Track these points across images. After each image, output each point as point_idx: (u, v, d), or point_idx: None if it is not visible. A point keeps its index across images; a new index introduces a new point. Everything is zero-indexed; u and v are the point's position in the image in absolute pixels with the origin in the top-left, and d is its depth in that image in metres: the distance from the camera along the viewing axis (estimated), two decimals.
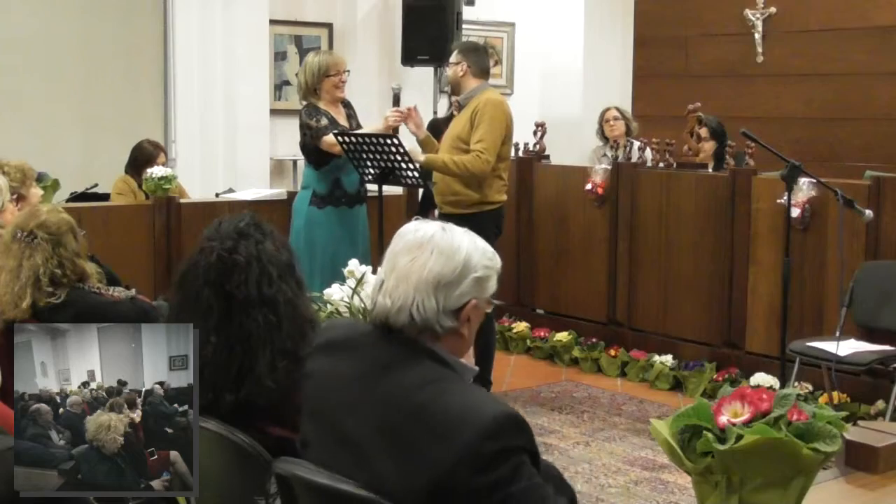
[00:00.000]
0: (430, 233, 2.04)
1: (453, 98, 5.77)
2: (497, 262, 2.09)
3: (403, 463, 1.90)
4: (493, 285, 2.07)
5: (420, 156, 5.24)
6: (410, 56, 7.71)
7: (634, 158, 6.31)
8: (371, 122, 6.16)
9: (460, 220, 5.67)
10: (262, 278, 2.44)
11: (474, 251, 2.04)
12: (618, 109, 6.93)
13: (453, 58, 5.36)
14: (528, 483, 1.87)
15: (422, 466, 1.87)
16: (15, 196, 4.13)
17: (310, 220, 5.49)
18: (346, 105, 5.67)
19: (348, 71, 5.62)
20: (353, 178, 5.53)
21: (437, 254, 2.00)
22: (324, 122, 5.41)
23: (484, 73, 5.34)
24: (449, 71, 5.40)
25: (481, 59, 5.35)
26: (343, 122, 5.54)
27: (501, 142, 5.22)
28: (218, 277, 2.43)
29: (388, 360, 2.00)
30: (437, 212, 5.72)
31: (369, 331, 2.07)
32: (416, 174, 5.34)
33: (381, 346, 2.02)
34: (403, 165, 5.27)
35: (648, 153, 6.52)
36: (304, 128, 5.45)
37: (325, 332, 2.22)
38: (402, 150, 5.22)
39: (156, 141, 6.28)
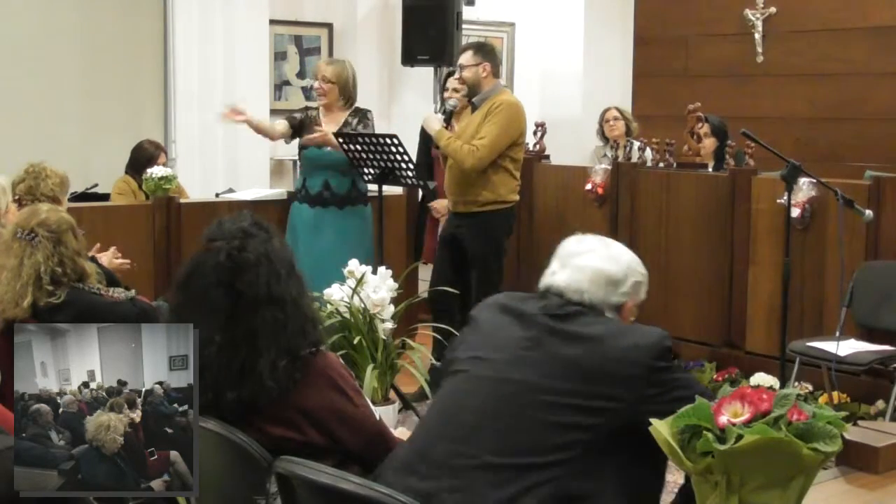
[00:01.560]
0: (597, 241, 2.42)
1: (449, 103, 5.69)
2: (646, 271, 2.45)
3: (582, 391, 2.17)
4: (645, 291, 2.46)
5: (435, 123, 5.29)
6: (410, 56, 7.70)
7: (634, 158, 6.31)
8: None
9: (473, 218, 5.69)
10: (271, 277, 2.45)
11: (633, 260, 2.42)
12: (618, 109, 6.93)
13: (471, 59, 5.29)
14: (684, 374, 2.36)
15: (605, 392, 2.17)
16: (17, 199, 4.13)
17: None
18: (358, 112, 5.63)
19: (325, 78, 5.56)
20: (316, 182, 5.54)
21: (605, 258, 2.37)
22: (295, 114, 5.67)
23: (498, 73, 5.40)
24: (468, 73, 5.30)
25: (496, 58, 5.42)
26: (326, 126, 5.53)
27: (506, 145, 5.25)
28: (229, 276, 2.43)
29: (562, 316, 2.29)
30: (444, 207, 5.74)
31: (542, 300, 2.35)
32: (416, 174, 5.35)
33: (554, 304, 2.32)
34: (403, 165, 5.27)
35: (648, 153, 6.52)
36: None
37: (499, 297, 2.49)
38: (402, 150, 5.22)
39: (156, 141, 6.29)
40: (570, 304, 2.31)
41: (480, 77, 5.28)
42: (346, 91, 5.59)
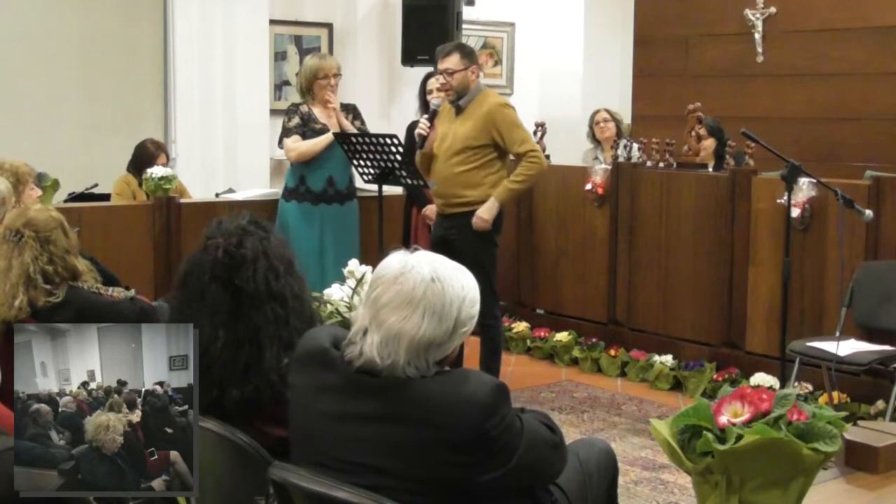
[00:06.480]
0: (422, 288, 1.97)
1: (433, 102, 5.57)
2: (478, 307, 2.06)
3: (416, 463, 1.98)
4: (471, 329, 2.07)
5: (493, 202, 5.11)
6: (410, 56, 7.70)
7: (634, 159, 6.31)
8: (371, 122, 6.15)
9: (465, 218, 5.53)
10: (269, 273, 2.47)
11: (463, 305, 2.01)
12: (607, 111, 6.94)
13: (459, 63, 5.10)
14: (522, 433, 2.03)
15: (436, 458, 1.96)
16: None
17: (280, 212, 5.70)
18: (349, 108, 5.69)
19: (339, 75, 5.67)
20: (319, 176, 5.54)
21: (428, 316, 1.97)
22: (294, 122, 5.48)
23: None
24: (458, 77, 5.11)
25: (477, 58, 5.32)
26: (332, 123, 5.57)
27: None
28: (226, 272, 2.45)
29: (380, 404, 2.01)
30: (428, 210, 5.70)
31: (353, 374, 2.04)
32: (416, 174, 5.33)
33: (370, 390, 2.02)
34: (403, 165, 5.27)
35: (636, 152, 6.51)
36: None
37: (303, 344, 2.21)
38: (401, 150, 5.22)
39: (158, 141, 6.29)
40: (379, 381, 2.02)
41: (469, 81, 5.18)
42: None
